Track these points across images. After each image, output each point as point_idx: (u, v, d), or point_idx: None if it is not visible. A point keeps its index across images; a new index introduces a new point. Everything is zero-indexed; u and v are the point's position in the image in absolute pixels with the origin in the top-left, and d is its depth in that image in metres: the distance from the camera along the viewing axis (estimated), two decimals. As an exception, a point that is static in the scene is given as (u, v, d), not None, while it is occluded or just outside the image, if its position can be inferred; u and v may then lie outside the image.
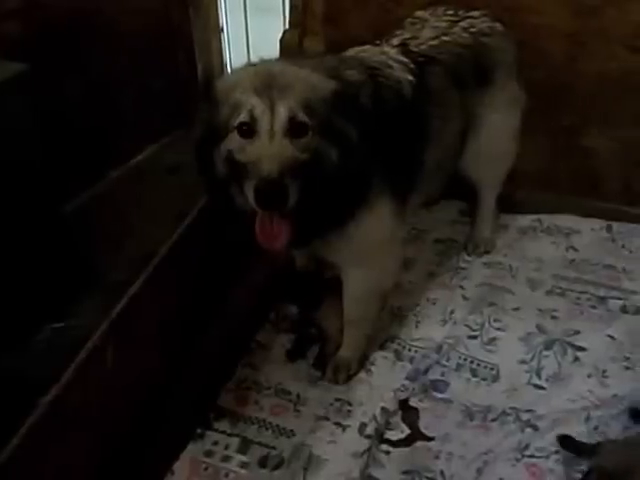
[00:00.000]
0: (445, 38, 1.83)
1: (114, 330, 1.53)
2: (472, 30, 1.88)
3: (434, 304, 2.06)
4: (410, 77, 1.69)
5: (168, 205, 2.17)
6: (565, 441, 1.62)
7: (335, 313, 1.89)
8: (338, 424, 1.73)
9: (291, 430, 1.71)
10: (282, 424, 1.73)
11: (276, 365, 1.89)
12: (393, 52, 1.75)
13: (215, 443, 1.68)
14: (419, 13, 1.97)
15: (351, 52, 1.75)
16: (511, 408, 1.75)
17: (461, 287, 2.10)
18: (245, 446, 1.68)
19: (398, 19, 2.29)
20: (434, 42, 1.81)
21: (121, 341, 1.55)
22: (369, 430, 1.70)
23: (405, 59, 1.72)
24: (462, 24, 1.89)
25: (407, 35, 1.84)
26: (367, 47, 1.77)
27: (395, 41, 1.81)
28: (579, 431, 1.67)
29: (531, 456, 1.63)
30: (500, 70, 1.92)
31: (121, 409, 1.62)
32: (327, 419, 1.74)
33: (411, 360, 1.89)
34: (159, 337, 1.76)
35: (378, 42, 1.81)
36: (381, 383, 1.82)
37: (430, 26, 1.87)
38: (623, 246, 2.28)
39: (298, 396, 1.80)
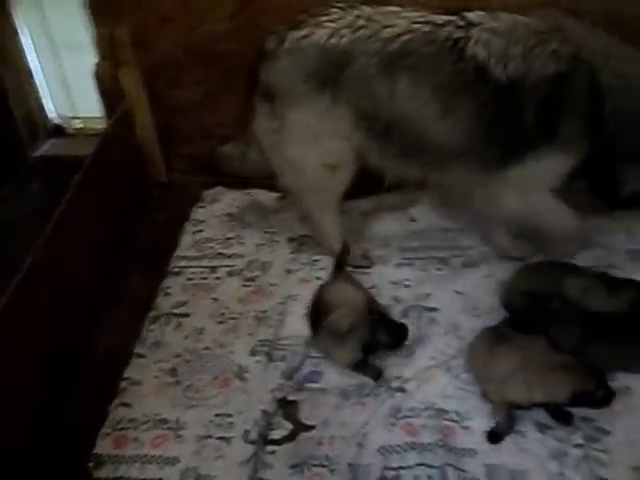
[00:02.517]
0: None
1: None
2: None
3: (296, 300, 2.12)
4: None
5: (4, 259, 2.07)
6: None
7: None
8: (222, 438, 1.74)
9: (175, 457, 1.69)
10: (165, 454, 1.70)
11: (150, 397, 1.85)
12: None
13: (99, 492, 1.63)
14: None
15: None
16: (382, 379, 1.85)
17: (319, 278, 2.17)
18: (131, 487, 1.63)
19: (205, 34, 2.36)
20: None
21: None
22: (253, 435, 1.72)
23: None
24: None
25: None
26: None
27: None
28: (444, 383, 1.81)
29: (405, 417, 1.74)
30: None
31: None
32: (210, 437, 1.74)
33: (283, 359, 1.93)
34: (17, 398, 1.68)
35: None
36: (257, 387, 1.85)
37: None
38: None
39: (177, 421, 1.78)
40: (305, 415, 1.78)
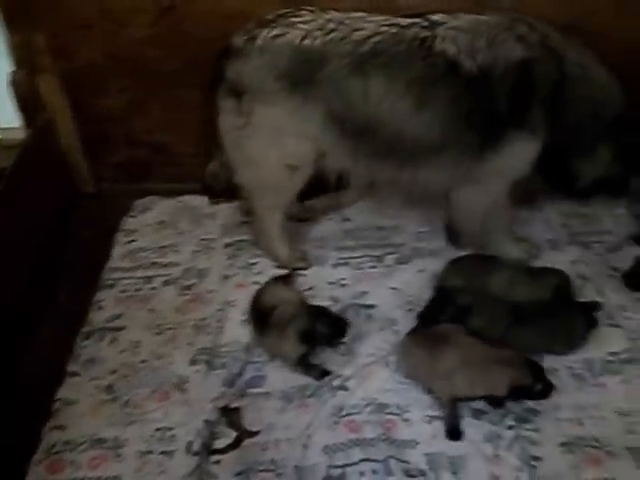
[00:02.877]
0: None
1: None
2: None
3: (234, 306, 2.10)
4: None
5: None
6: None
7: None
8: (164, 452, 1.70)
9: (115, 477, 1.65)
10: (104, 474, 1.65)
11: (86, 417, 1.79)
12: None
13: (35, 524, 1.56)
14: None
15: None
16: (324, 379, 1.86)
17: (256, 282, 2.17)
18: (69, 514, 1.58)
19: (127, 40, 2.31)
20: None
21: None
22: (196, 447, 1.70)
23: None
24: None
25: None
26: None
27: None
28: (383, 377, 1.85)
29: (347, 414, 1.76)
30: None
31: None
32: (151, 452, 1.70)
33: (224, 366, 1.91)
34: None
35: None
36: (199, 397, 1.83)
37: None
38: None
39: (116, 439, 1.73)
40: (249, 421, 1.77)
